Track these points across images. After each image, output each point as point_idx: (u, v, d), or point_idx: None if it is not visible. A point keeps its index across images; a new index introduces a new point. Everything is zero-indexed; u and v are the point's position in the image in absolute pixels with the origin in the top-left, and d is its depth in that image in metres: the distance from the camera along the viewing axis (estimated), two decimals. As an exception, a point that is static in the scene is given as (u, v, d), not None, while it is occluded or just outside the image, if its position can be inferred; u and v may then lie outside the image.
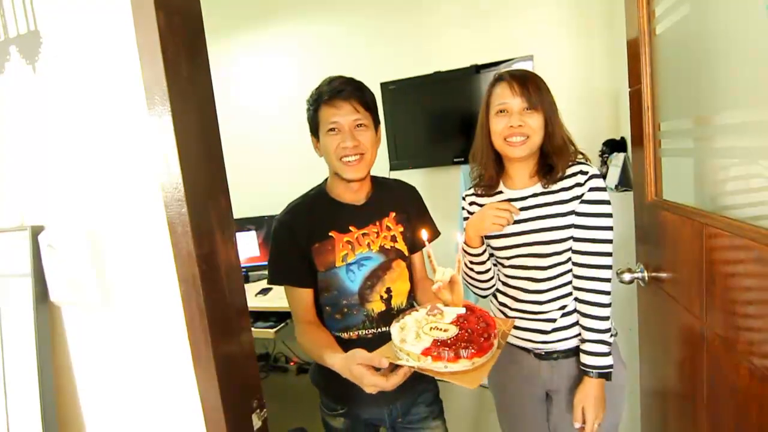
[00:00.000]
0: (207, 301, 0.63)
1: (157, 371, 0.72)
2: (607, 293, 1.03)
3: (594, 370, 1.03)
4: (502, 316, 1.16)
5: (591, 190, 1.02)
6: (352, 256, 1.08)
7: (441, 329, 0.83)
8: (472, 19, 2.27)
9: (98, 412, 0.79)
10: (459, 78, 2.22)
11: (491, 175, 1.13)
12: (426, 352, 0.76)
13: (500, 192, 1.14)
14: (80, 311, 0.76)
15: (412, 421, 1.16)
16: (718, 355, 0.77)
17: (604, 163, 1.97)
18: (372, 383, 0.81)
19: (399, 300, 1.12)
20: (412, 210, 1.18)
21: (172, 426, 0.73)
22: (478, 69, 2.17)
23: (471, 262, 1.13)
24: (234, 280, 0.69)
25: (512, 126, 1.02)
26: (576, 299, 1.07)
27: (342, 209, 1.10)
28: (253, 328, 2.07)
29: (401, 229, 1.14)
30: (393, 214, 1.13)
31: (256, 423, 0.72)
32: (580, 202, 1.03)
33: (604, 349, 1.03)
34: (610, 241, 1.03)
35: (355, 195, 1.11)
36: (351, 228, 1.09)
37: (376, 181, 1.17)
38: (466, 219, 1.19)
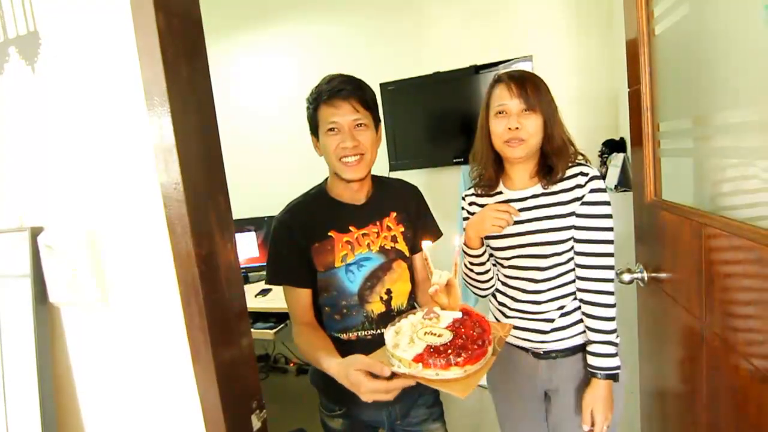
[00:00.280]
0: (206, 301, 0.63)
1: (157, 372, 0.72)
2: (611, 293, 1.03)
3: (602, 372, 1.02)
4: (502, 316, 1.16)
5: (592, 191, 1.02)
6: (352, 257, 1.06)
7: (435, 334, 0.82)
8: (471, 19, 2.27)
9: (98, 412, 0.79)
10: (458, 78, 2.22)
11: (491, 175, 1.13)
12: (417, 359, 0.75)
13: (500, 192, 1.14)
14: (80, 312, 0.76)
15: (412, 423, 1.16)
16: (717, 355, 0.77)
17: (604, 163, 1.97)
18: (371, 389, 0.79)
19: (399, 301, 1.11)
20: (413, 210, 1.16)
21: (172, 427, 0.73)
22: (477, 69, 2.18)
23: (471, 263, 1.13)
24: (233, 281, 0.69)
25: (510, 128, 1.02)
26: (580, 300, 1.06)
27: (342, 209, 1.09)
28: (252, 329, 2.07)
29: (402, 229, 1.12)
30: (394, 214, 1.12)
31: (256, 424, 0.71)
32: (581, 204, 1.03)
33: (611, 349, 1.02)
34: (611, 242, 1.03)
35: (355, 195, 1.09)
36: (351, 228, 1.07)
37: (377, 180, 1.16)
38: (465, 219, 1.19)
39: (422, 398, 1.16)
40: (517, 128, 1.02)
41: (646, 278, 1.11)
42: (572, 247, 1.06)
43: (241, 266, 2.31)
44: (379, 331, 1.07)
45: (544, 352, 1.11)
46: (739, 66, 0.72)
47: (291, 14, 2.70)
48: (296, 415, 1.91)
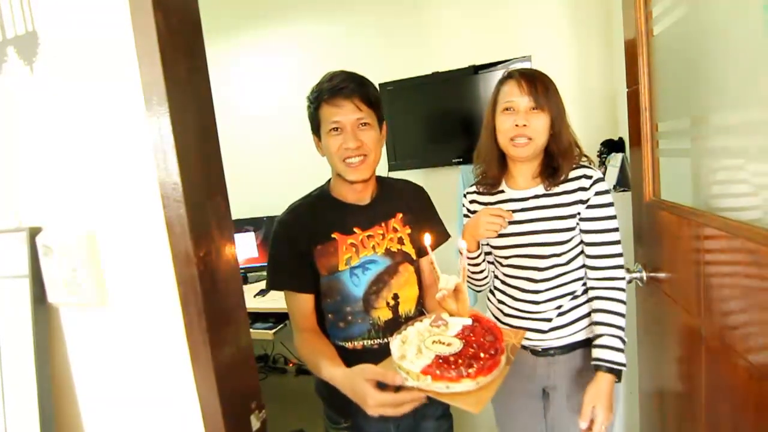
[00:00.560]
0: (205, 302, 0.63)
1: (156, 372, 0.72)
2: (623, 290, 1.04)
3: (607, 364, 0.99)
4: (501, 314, 1.16)
5: (597, 194, 1.03)
6: (356, 260, 1.01)
7: (444, 343, 0.77)
8: (470, 19, 2.27)
9: (96, 413, 0.79)
10: (457, 78, 2.22)
11: (494, 173, 1.13)
12: (426, 371, 0.71)
13: (502, 191, 1.14)
14: (78, 312, 0.76)
15: None
16: (716, 354, 0.78)
17: (603, 163, 1.97)
18: (379, 402, 0.74)
19: (407, 307, 1.05)
20: (419, 211, 1.11)
21: (171, 427, 0.73)
22: (476, 69, 2.17)
23: (468, 264, 1.14)
24: (232, 281, 0.69)
25: (517, 125, 1.02)
26: (592, 298, 1.06)
27: (345, 210, 1.04)
28: (251, 330, 2.07)
29: (409, 230, 1.07)
30: (400, 215, 1.07)
31: (255, 424, 0.71)
32: (587, 207, 1.03)
33: (620, 344, 1.01)
34: (619, 242, 1.04)
35: (359, 195, 1.05)
36: (355, 230, 1.03)
37: (382, 180, 1.11)
38: (466, 216, 1.19)
39: (431, 410, 1.08)
40: (524, 125, 1.01)
41: (644, 278, 1.11)
42: (571, 249, 1.07)
43: (240, 266, 2.31)
44: (386, 339, 1.02)
45: (542, 349, 1.11)
46: (737, 66, 0.72)
47: (291, 14, 2.70)
48: (296, 415, 1.91)
